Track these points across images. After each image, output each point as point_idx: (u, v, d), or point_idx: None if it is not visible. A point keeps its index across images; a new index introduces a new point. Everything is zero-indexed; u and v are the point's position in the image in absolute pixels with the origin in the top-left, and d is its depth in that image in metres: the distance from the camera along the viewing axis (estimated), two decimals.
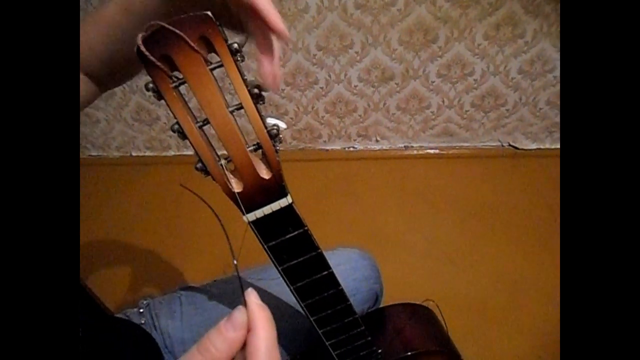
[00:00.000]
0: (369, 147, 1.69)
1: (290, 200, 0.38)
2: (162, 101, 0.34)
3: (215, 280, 0.69)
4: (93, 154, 1.83)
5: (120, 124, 1.70)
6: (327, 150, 1.70)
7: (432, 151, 1.66)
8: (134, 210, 1.55)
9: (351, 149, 1.69)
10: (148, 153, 1.80)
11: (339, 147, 1.70)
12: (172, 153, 1.78)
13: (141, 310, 0.63)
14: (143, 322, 0.62)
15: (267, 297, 0.61)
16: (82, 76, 0.47)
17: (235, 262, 0.34)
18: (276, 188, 0.37)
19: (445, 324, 0.69)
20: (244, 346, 0.28)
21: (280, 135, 0.36)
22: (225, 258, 1.37)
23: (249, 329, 0.28)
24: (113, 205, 1.58)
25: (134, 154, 1.81)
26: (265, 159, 0.37)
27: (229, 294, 0.64)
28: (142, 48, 0.31)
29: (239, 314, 0.28)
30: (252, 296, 0.29)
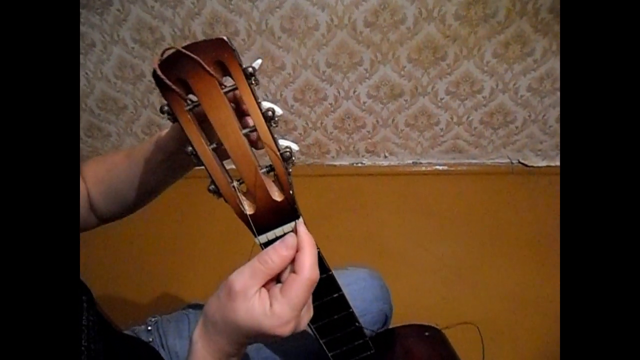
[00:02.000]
0: (377, 163, 1.68)
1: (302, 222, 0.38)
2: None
3: None
4: None
5: (131, 137, 1.71)
6: (336, 165, 1.70)
7: (440, 167, 1.65)
8: (142, 224, 1.55)
9: (359, 164, 1.69)
10: None
11: (347, 163, 1.70)
12: None
13: (149, 328, 0.63)
14: (151, 340, 0.61)
15: None
16: (87, 207, 0.53)
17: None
18: (288, 210, 0.37)
19: (483, 348, 0.68)
20: (293, 261, 0.37)
21: (293, 158, 0.36)
22: (232, 271, 1.36)
23: (297, 249, 0.37)
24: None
25: None
26: (277, 181, 0.37)
27: None
28: (159, 71, 0.31)
29: (290, 237, 0.37)
30: (301, 225, 0.37)
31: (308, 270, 0.36)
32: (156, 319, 0.64)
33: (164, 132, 0.46)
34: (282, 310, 0.35)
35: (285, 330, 0.36)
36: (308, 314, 0.40)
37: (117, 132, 1.70)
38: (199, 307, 0.66)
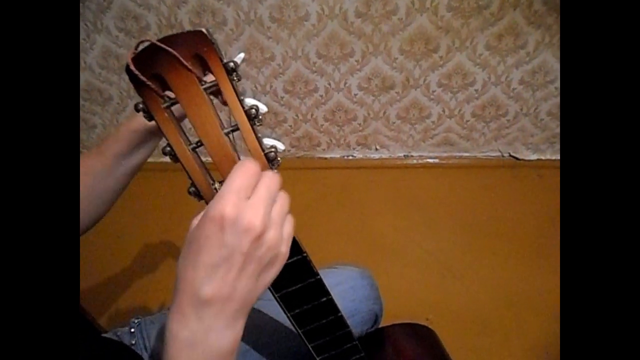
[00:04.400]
0: (368, 156, 1.67)
1: None
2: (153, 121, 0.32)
3: None
4: None
5: None
6: (326, 158, 1.68)
7: (432, 161, 1.64)
8: (128, 218, 1.52)
9: (350, 157, 1.68)
10: None
11: (337, 156, 1.68)
12: (168, 159, 1.76)
13: (132, 330, 0.61)
14: (134, 342, 0.59)
15: (262, 319, 0.59)
16: None
17: None
18: None
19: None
20: None
21: (279, 159, 0.34)
22: None
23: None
24: (109, 211, 1.54)
25: None
26: None
27: None
28: (132, 66, 0.29)
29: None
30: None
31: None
32: (139, 320, 0.62)
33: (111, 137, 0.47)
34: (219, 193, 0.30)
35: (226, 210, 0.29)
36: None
37: (103, 124, 1.66)
38: None
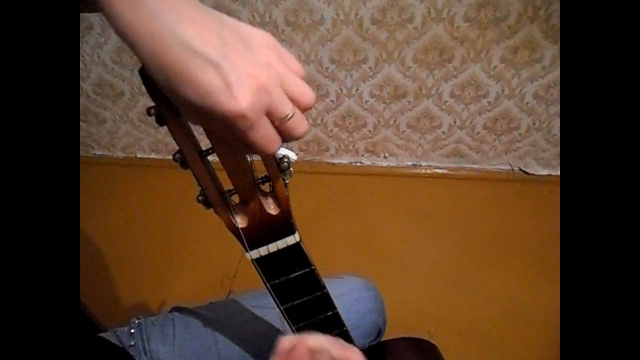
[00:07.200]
0: (376, 163, 1.66)
1: (297, 239, 0.35)
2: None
3: (211, 303, 0.65)
4: (97, 153, 1.82)
5: (127, 124, 1.68)
6: (334, 164, 1.67)
7: (440, 171, 1.63)
8: (135, 213, 1.52)
9: (358, 164, 1.67)
10: (153, 155, 1.78)
11: (346, 162, 1.67)
12: (170, 156, 1.75)
13: (132, 331, 0.60)
14: (132, 343, 0.59)
15: (264, 327, 0.58)
16: None
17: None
18: (283, 225, 0.34)
19: None
20: None
21: (291, 169, 0.33)
22: (224, 269, 1.33)
23: None
24: (113, 206, 1.55)
25: (138, 155, 1.79)
26: (273, 193, 0.34)
27: (224, 319, 0.61)
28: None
29: None
30: None
31: None
32: (140, 320, 0.61)
33: None
34: None
35: None
36: None
37: (113, 119, 1.66)
38: (185, 311, 0.63)
